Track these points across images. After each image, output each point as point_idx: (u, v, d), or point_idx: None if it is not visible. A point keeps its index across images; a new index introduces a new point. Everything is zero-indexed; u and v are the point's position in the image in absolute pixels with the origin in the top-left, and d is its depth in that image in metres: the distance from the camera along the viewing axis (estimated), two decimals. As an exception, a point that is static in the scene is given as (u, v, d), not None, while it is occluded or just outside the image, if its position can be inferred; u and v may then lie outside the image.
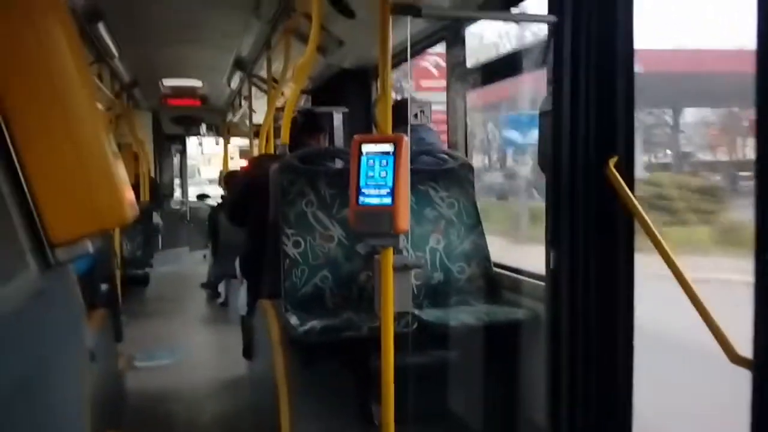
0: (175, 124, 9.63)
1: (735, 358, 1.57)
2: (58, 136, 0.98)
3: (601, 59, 1.99)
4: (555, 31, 2.09)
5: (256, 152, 5.45)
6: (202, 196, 8.99)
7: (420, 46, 3.88)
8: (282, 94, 4.91)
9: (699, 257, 5.40)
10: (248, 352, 3.72)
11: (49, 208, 0.96)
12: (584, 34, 2.01)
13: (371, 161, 2.02)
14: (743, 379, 1.50)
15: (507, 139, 10.67)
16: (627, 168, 1.97)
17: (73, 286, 1.17)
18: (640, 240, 1.94)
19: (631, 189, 1.93)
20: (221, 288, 6.57)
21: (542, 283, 2.31)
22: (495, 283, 2.89)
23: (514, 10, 3.05)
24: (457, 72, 3.49)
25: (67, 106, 0.98)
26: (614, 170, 1.94)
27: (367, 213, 2.01)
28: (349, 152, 2.10)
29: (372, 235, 2.07)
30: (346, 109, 4.85)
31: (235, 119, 7.93)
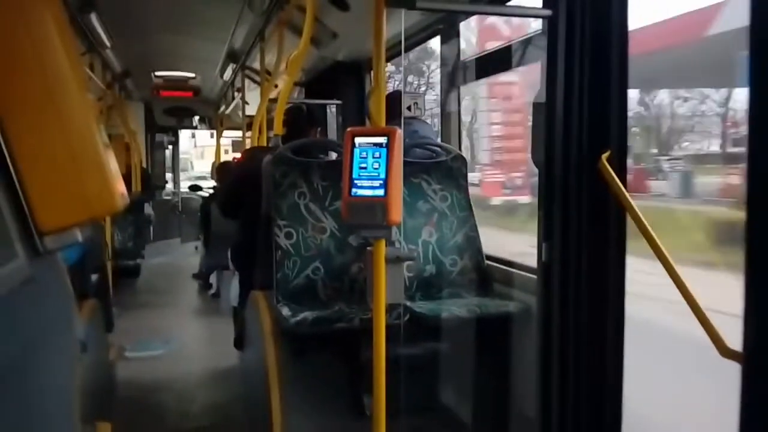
0: (168, 116, 9.59)
1: (725, 352, 1.58)
2: (48, 125, 0.97)
3: (596, 53, 1.99)
4: (549, 24, 2.09)
5: (248, 144, 5.44)
6: (194, 188, 8.97)
7: (414, 39, 3.88)
8: (275, 86, 4.89)
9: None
10: (239, 343, 3.72)
11: (38, 196, 0.96)
12: (578, 28, 2.01)
13: (364, 153, 2.02)
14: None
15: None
16: (620, 162, 1.97)
17: (62, 275, 1.17)
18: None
19: (624, 183, 1.93)
20: (213, 279, 6.57)
21: (534, 276, 2.31)
22: (487, 275, 2.90)
23: (509, 4, 3.05)
24: (450, 65, 3.49)
25: (57, 94, 0.98)
26: (607, 164, 1.94)
27: (360, 204, 2.01)
28: (342, 144, 2.10)
29: (364, 226, 2.07)
30: (340, 102, 4.85)
31: (228, 111, 7.90)
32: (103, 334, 3.48)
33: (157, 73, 7.36)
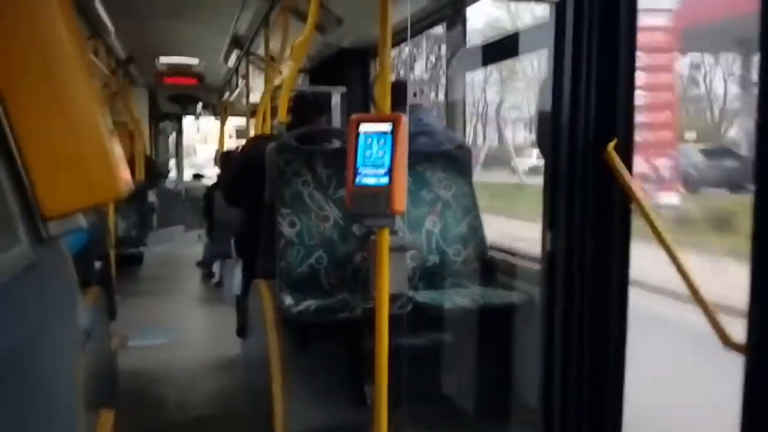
0: (172, 103, 9.58)
1: (729, 343, 1.57)
2: (52, 111, 0.96)
3: (603, 41, 1.97)
4: (557, 11, 2.06)
5: (252, 132, 5.42)
6: (197, 176, 8.96)
7: (420, 25, 3.85)
8: (280, 73, 4.86)
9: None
10: (242, 332, 3.72)
11: (42, 181, 0.95)
12: (587, 15, 1.99)
13: (369, 140, 1.99)
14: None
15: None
16: (626, 151, 1.95)
17: (67, 262, 1.16)
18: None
19: (630, 172, 1.92)
20: (216, 267, 6.57)
21: (538, 267, 2.30)
22: (491, 265, 2.89)
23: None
24: (456, 52, 3.46)
25: (61, 80, 0.97)
26: (613, 153, 1.93)
27: (364, 193, 1.99)
28: (347, 132, 2.09)
29: (368, 215, 2.05)
30: (345, 89, 4.83)
31: (232, 98, 7.88)
32: (107, 323, 3.49)
33: (161, 60, 7.34)
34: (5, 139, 0.93)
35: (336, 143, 3.11)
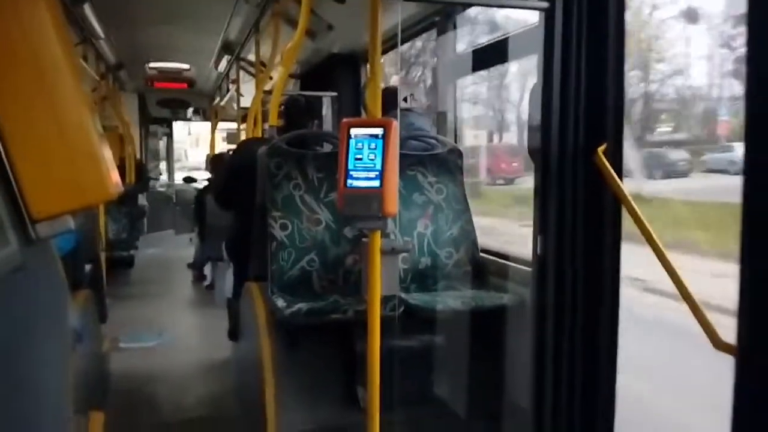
0: (162, 107, 9.55)
1: (719, 345, 1.59)
2: (40, 112, 0.96)
3: (592, 46, 1.99)
4: (546, 16, 2.08)
5: (243, 136, 5.42)
6: (188, 179, 8.94)
7: (410, 31, 3.86)
8: (270, 78, 4.87)
9: None
10: (234, 335, 3.72)
11: (31, 182, 0.95)
12: (575, 20, 2.01)
13: (360, 144, 2.01)
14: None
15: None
16: (615, 155, 1.97)
17: (56, 264, 1.16)
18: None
19: (620, 176, 1.93)
20: (207, 270, 6.56)
21: (529, 269, 2.31)
22: (482, 268, 2.90)
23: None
24: (447, 58, 3.48)
25: (49, 81, 0.97)
26: (603, 157, 1.94)
27: (355, 195, 2.00)
28: (338, 136, 2.09)
29: (360, 218, 2.06)
30: (335, 94, 4.83)
31: (223, 103, 7.88)
32: (97, 325, 3.47)
33: (151, 65, 7.31)
34: None
35: (327, 147, 3.12)
